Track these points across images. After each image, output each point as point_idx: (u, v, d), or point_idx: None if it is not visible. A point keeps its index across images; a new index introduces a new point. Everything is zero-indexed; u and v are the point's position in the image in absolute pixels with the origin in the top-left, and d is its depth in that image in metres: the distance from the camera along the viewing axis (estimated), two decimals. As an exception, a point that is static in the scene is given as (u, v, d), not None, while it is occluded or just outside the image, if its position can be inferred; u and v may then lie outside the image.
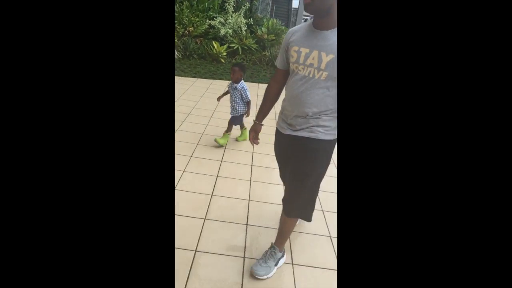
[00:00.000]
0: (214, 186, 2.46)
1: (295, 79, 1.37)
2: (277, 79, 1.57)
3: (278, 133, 1.57)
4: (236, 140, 3.30)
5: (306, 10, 1.26)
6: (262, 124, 1.67)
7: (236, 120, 3.13)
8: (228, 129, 3.14)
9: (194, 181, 2.48)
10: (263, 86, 5.92)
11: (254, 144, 1.69)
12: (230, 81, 3.10)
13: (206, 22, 7.13)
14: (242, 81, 2.99)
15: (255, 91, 5.50)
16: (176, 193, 2.29)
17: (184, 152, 2.92)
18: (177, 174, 2.53)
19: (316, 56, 1.27)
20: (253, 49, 7.52)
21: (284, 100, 1.49)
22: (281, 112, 1.53)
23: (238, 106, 3.05)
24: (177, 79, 5.33)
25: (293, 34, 1.41)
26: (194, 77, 5.64)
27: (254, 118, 1.67)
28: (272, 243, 1.76)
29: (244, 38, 7.46)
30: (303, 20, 9.59)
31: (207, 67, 6.36)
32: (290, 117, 1.43)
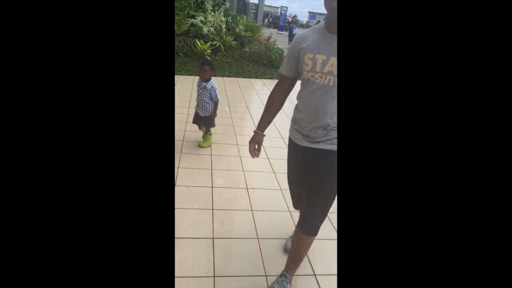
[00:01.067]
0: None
1: (312, 89, 1.28)
2: (282, 86, 1.47)
3: (293, 145, 1.45)
4: (199, 146, 3.06)
5: (326, 8, 1.20)
6: (264, 135, 1.54)
7: (208, 120, 3.02)
8: (207, 130, 3.07)
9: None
10: (251, 81, 6.38)
11: (255, 157, 1.55)
12: (198, 79, 2.97)
13: (188, 20, 7.35)
14: (212, 80, 2.93)
15: (244, 85, 5.94)
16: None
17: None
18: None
19: (335, 63, 1.19)
20: (233, 46, 7.91)
21: (297, 111, 1.41)
22: (294, 123, 1.44)
23: (208, 105, 2.96)
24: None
25: (303, 39, 1.31)
26: (188, 74, 5.90)
27: (255, 128, 1.53)
28: (282, 271, 1.57)
29: (224, 36, 7.81)
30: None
31: (191, 63, 6.63)
32: (307, 129, 1.34)
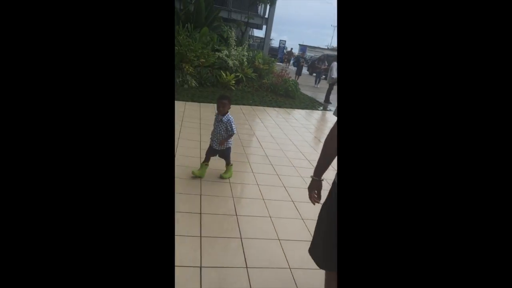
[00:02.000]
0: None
1: None
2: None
3: (335, 186, 1.37)
4: (221, 177, 3.09)
5: None
6: (322, 180, 1.48)
7: (223, 153, 3.03)
8: (206, 159, 3.01)
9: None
10: (268, 109, 7.01)
11: (316, 203, 1.50)
12: (216, 113, 2.98)
13: (214, 54, 8.08)
14: (228, 113, 2.93)
15: (263, 115, 6.55)
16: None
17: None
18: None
19: None
20: (253, 77, 8.62)
21: None
22: None
23: (223, 138, 2.94)
24: (199, 105, 6.15)
25: None
26: (209, 102, 6.40)
27: (312, 175, 1.48)
28: None
29: (245, 68, 8.55)
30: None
31: (218, 92, 7.24)
32: None
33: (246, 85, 8.38)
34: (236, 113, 5.89)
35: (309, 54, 28.82)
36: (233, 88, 7.91)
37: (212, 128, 3.05)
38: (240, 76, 8.33)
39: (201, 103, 6.23)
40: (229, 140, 2.98)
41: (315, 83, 12.81)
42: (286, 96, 8.47)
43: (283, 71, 9.86)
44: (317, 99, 9.37)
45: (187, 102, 6.07)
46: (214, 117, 3.03)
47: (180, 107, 5.59)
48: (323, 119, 7.21)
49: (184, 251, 1.98)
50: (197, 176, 2.96)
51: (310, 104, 8.39)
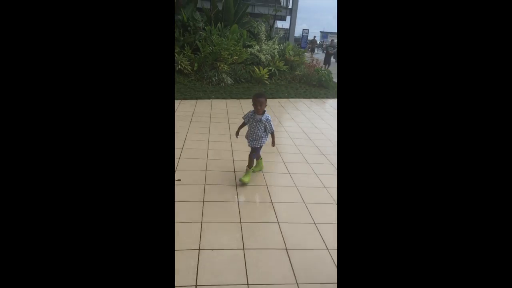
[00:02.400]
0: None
1: None
2: None
3: None
4: (253, 171, 3.02)
5: None
6: None
7: (256, 151, 2.93)
8: (250, 164, 2.93)
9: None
10: (304, 101, 7.04)
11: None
12: (250, 112, 2.83)
13: (246, 50, 8.21)
14: (266, 112, 2.81)
15: (301, 107, 6.58)
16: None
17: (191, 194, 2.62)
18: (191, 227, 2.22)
19: None
20: (285, 70, 8.67)
21: None
22: None
23: (261, 139, 2.85)
24: (239, 101, 6.31)
25: None
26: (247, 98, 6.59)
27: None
28: None
29: (277, 62, 8.61)
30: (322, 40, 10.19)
31: (254, 88, 7.38)
32: None
33: (279, 78, 8.44)
34: (275, 107, 6.02)
35: (324, 39, 28.27)
36: (267, 82, 8.01)
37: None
38: (273, 69, 8.41)
39: (241, 100, 6.40)
40: (264, 138, 2.88)
41: None
42: (320, 86, 8.45)
43: (313, 60, 9.80)
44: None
45: (227, 100, 6.27)
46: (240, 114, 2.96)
47: (222, 105, 5.80)
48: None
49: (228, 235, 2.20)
50: (245, 184, 2.87)
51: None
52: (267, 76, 8.10)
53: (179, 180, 2.86)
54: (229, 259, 1.96)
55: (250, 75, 8.05)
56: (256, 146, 2.88)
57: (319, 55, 16.00)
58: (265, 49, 8.54)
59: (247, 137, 2.93)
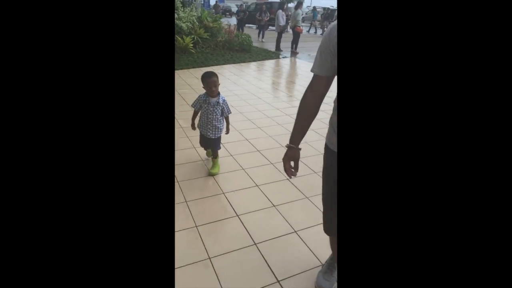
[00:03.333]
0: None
1: None
2: (316, 88, 1.19)
3: (330, 153, 1.25)
4: (210, 174, 2.55)
5: None
6: (300, 148, 1.29)
7: (218, 142, 2.53)
8: (215, 154, 2.58)
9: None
10: (236, 66, 7.41)
11: (292, 176, 1.33)
12: (201, 97, 2.44)
13: (165, 19, 7.93)
14: (220, 93, 2.45)
15: (238, 72, 6.95)
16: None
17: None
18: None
19: None
20: (207, 37, 8.71)
21: (336, 115, 1.20)
22: (334, 127, 1.21)
23: (220, 124, 2.48)
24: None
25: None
26: (181, 69, 6.63)
27: (288, 142, 1.29)
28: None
29: (198, 29, 8.56)
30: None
31: (183, 58, 7.35)
32: None
33: (203, 46, 8.48)
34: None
35: (227, 4, 28.54)
36: (193, 51, 7.99)
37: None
38: (195, 38, 8.37)
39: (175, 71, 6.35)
40: (222, 123, 2.52)
41: (259, 37, 12.59)
42: (243, 51, 8.81)
43: (230, 26, 10.00)
44: (269, 49, 9.87)
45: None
46: (187, 86, 2.60)
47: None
48: (290, 65, 7.84)
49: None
50: (214, 174, 2.56)
51: (266, 54, 8.89)
52: (191, 45, 8.06)
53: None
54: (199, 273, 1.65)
55: (175, 44, 7.89)
56: (218, 135, 2.50)
57: (232, 21, 16.06)
58: (184, 17, 8.38)
59: (201, 127, 2.53)
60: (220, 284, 1.58)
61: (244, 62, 7.77)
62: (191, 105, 2.52)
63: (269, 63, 7.93)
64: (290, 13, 10.86)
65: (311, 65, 1.21)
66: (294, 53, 9.49)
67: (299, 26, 9.42)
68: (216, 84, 2.36)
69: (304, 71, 7.21)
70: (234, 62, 7.64)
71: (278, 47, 9.79)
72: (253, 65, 7.55)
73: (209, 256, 1.75)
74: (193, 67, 6.76)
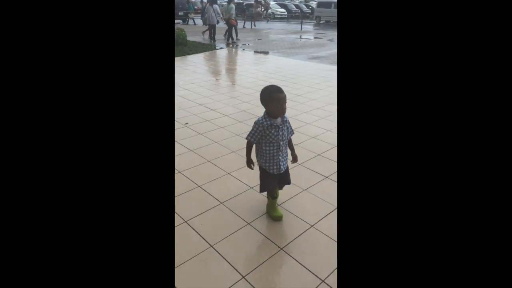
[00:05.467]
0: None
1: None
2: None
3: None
4: (279, 218, 2.02)
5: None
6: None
7: (287, 176, 2.01)
8: (273, 192, 1.99)
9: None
10: (180, 59, 7.58)
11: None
12: (261, 122, 1.81)
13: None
14: None
15: (182, 65, 7.20)
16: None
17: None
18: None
19: None
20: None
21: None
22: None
23: (286, 150, 1.96)
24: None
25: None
26: None
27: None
28: None
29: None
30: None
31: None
32: None
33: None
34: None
35: None
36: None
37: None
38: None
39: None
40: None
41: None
42: (181, 45, 8.93)
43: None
44: (202, 42, 10.19)
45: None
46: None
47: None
48: (234, 54, 8.28)
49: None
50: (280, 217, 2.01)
51: (203, 47, 9.26)
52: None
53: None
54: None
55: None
56: (286, 165, 1.94)
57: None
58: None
59: (267, 162, 1.89)
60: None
61: (189, 54, 7.99)
62: (247, 137, 1.87)
63: (211, 53, 8.30)
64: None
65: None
66: (232, 44, 10.01)
67: (233, 19, 9.96)
68: (285, 100, 1.79)
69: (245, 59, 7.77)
70: (178, 55, 7.78)
71: (213, 38, 10.20)
72: (198, 57, 7.81)
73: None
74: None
